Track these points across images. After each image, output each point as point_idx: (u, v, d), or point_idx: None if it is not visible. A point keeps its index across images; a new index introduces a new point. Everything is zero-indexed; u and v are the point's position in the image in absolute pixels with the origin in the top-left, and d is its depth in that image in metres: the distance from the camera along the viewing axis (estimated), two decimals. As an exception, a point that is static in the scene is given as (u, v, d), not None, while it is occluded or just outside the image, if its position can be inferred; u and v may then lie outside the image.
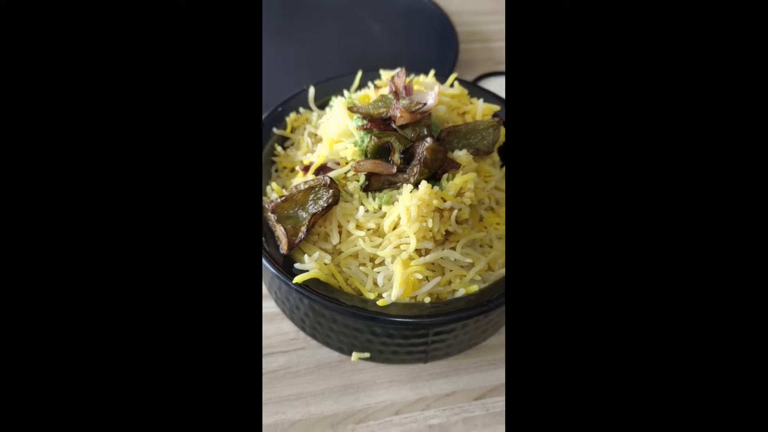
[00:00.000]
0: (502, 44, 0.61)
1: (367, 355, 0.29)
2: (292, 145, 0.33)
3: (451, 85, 0.33)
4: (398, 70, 0.31)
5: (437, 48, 0.55)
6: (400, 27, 0.59)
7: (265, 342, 0.34)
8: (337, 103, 0.31)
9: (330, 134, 0.30)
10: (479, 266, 0.27)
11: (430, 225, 0.25)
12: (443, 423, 0.32)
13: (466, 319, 0.25)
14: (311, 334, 0.30)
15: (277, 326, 0.35)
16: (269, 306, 0.35)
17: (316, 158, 0.29)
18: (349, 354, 0.30)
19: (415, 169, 0.27)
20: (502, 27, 0.65)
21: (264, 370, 0.33)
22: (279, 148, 0.32)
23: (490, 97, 0.34)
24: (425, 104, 0.28)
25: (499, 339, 0.35)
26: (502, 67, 0.55)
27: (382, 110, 0.28)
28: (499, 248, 0.28)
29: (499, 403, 0.33)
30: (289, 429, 0.31)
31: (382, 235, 0.27)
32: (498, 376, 0.34)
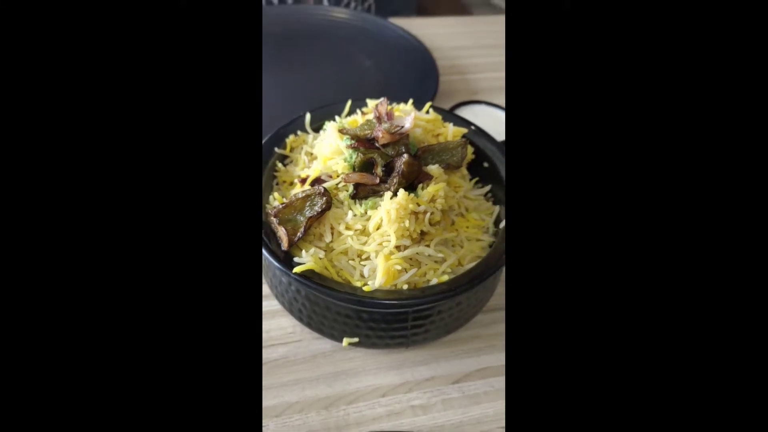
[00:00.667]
0: (478, 76, 0.68)
1: (356, 339, 0.33)
2: (291, 162, 0.39)
3: (427, 112, 0.39)
4: (381, 99, 0.37)
5: (421, 79, 0.62)
6: (388, 62, 0.66)
7: (265, 335, 0.39)
8: (330, 127, 0.37)
9: (324, 152, 0.35)
10: (450, 261, 0.32)
11: (407, 225, 0.31)
12: (424, 404, 0.36)
13: (438, 301, 0.30)
14: (307, 324, 0.35)
15: (277, 322, 0.40)
16: (270, 304, 0.40)
17: (312, 172, 0.35)
18: (341, 341, 0.34)
19: (395, 180, 0.32)
20: (477, 61, 0.72)
21: (265, 360, 0.37)
22: (280, 165, 0.38)
23: (460, 121, 0.40)
24: (403, 127, 0.34)
25: (472, 331, 0.40)
26: (478, 96, 0.62)
27: (367, 132, 0.34)
28: (468, 248, 0.34)
29: (473, 386, 0.37)
30: (287, 410, 0.35)
31: (367, 234, 0.32)
32: (472, 363, 0.38)
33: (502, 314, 0.41)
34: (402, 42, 0.68)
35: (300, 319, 0.35)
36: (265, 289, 0.39)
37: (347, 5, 0.83)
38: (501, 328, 0.41)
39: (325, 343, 0.38)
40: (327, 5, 0.78)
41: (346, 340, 0.34)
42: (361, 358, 0.38)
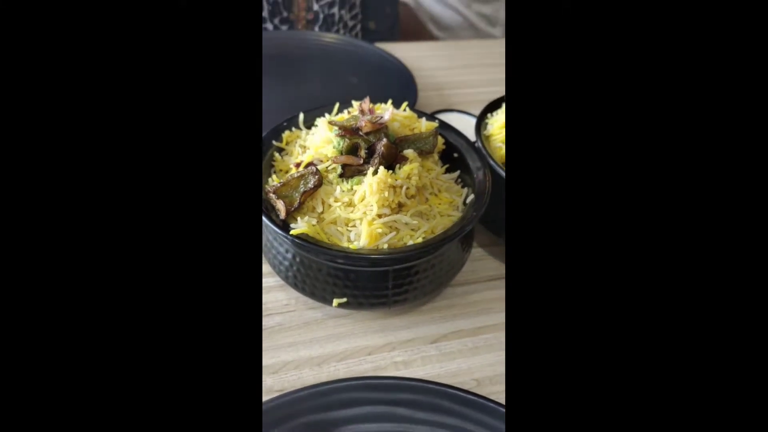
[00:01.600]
0: (452, 92, 0.76)
1: (344, 299, 0.38)
2: (287, 153, 0.44)
3: (404, 110, 0.46)
4: (365, 98, 0.43)
5: (401, 94, 0.69)
6: (372, 79, 0.74)
7: (264, 307, 0.43)
8: (321, 122, 0.43)
9: (315, 142, 0.41)
10: (424, 228, 0.38)
11: (387, 196, 0.36)
12: (406, 360, 0.40)
13: (414, 259, 0.35)
14: (302, 289, 0.40)
15: (273, 296, 0.44)
16: (267, 281, 0.45)
17: (306, 158, 0.40)
18: (331, 302, 0.39)
19: (376, 160, 0.38)
20: (452, 79, 0.80)
21: (263, 327, 0.42)
22: (277, 155, 0.43)
23: (431, 118, 0.46)
24: (382, 117, 0.40)
25: (448, 301, 0.45)
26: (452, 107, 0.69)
27: (352, 123, 0.40)
28: (440, 221, 0.39)
29: (449, 345, 0.42)
30: (284, 367, 0.39)
31: (353, 205, 0.37)
32: (448, 326, 0.43)
33: (473, 287, 0.47)
34: (384, 62, 0.76)
35: (295, 285, 0.40)
36: (265, 267, 0.44)
37: (336, 31, 0.91)
38: (473, 297, 0.46)
39: (318, 312, 0.43)
40: (318, 31, 0.86)
41: (335, 301, 0.38)
42: (350, 324, 0.43)
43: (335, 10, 0.89)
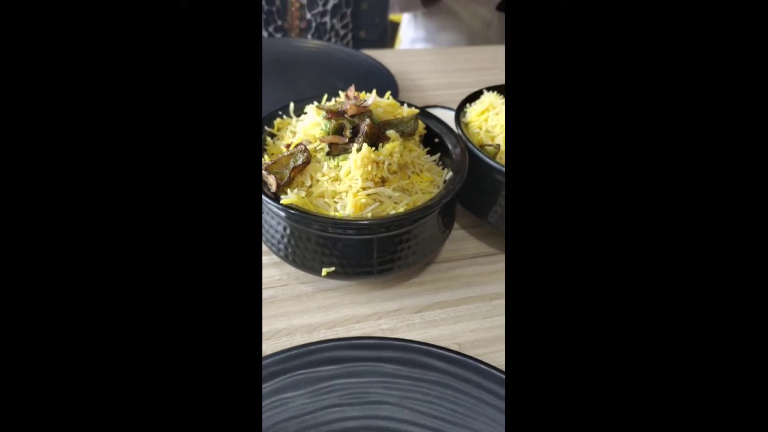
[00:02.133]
0: (433, 93, 0.81)
1: (332, 268, 0.41)
2: (278, 138, 0.47)
3: (388, 98, 0.49)
4: (351, 86, 0.47)
5: (383, 95, 0.72)
6: (357, 83, 0.77)
7: (257, 283, 0.46)
8: (310, 108, 0.46)
9: (305, 126, 0.44)
10: (405, 201, 0.40)
11: (370, 170, 0.39)
12: (392, 327, 0.43)
13: (396, 228, 0.38)
14: (292, 261, 0.42)
15: (267, 272, 0.47)
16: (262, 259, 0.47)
17: (296, 140, 0.44)
18: (320, 272, 0.41)
19: (360, 139, 0.41)
20: (435, 82, 0.85)
21: (257, 300, 0.44)
22: (269, 140, 0.46)
23: (413, 107, 0.50)
24: (366, 101, 0.43)
25: (432, 276, 0.48)
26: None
27: (338, 107, 0.43)
28: (422, 196, 0.42)
29: (432, 314, 0.44)
30: (276, 334, 0.41)
31: (339, 179, 0.40)
32: (432, 298, 0.46)
33: (456, 263, 0.49)
34: (370, 68, 0.80)
35: (286, 258, 0.43)
36: (257, 246, 0.47)
37: (328, 40, 0.96)
38: (455, 273, 0.48)
39: (308, 287, 0.46)
40: (310, 39, 0.91)
41: (324, 270, 0.41)
42: (339, 297, 0.45)
43: (327, 19, 0.94)
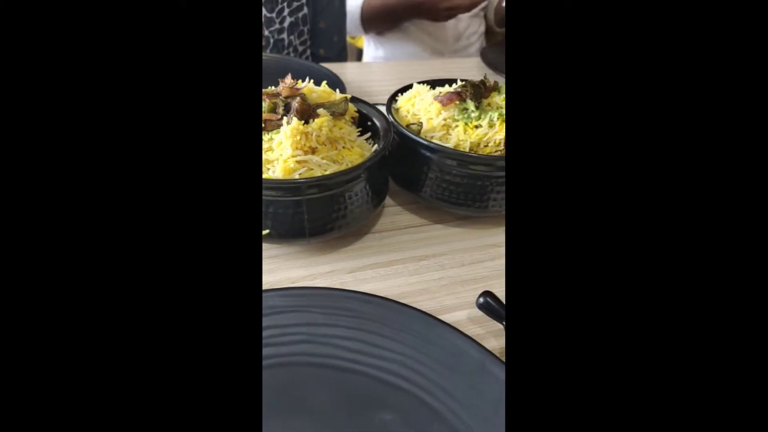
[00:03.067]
0: (380, 98, 0.87)
1: (267, 231, 0.45)
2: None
3: (323, 87, 0.55)
4: (287, 74, 0.52)
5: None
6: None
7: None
8: (251, 95, 0.51)
9: (245, 109, 0.49)
10: (333, 168, 0.45)
11: (299, 140, 0.44)
12: (326, 285, 0.47)
13: (325, 189, 0.43)
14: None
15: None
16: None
17: (236, 120, 0.48)
18: (257, 236, 0.45)
19: (291, 115, 0.46)
20: (382, 89, 0.91)
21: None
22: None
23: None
24: (297, 83, 0.49)
25: (366, 243, 0.52)
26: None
27: (274, 90, 0.49)
28: (348, 165, 0.47)
29: (364, 274, 0.48)
30: (217, 294, 0.45)
31: (272, 150, 0.45)
32: (364, 261, 0.50)
33: (389, 233, 0.54)
34: (323, 77, 0.86)
35: (227, 224, 0.47)
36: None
37: (287, 55, 1.02)
38: (388, 241, 0.53)
39: (250, 255, 0.49)
40: (268, 53, 0.97)
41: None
42: (277, 262, 0.49)
43: (284, 35, 1.01)
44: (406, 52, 1.31)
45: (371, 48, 1.39)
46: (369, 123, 0.54)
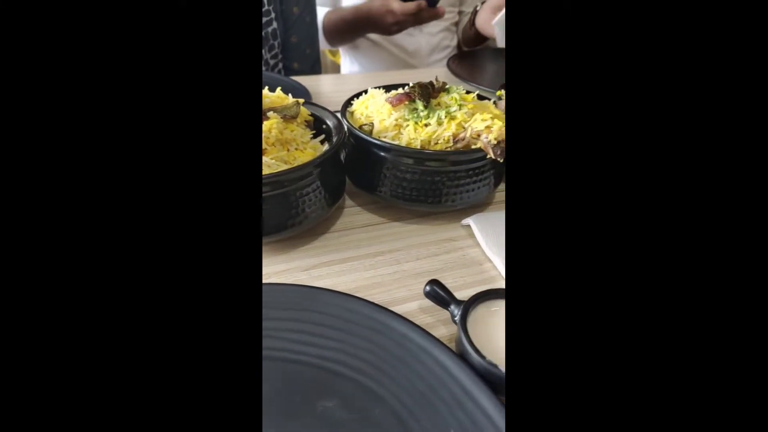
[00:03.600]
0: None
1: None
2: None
3: (277, 94, 0.56)
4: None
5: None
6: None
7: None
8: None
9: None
10: (284, 168, 0.47)
11: (248, 142, 0.46)
12: (278, 281, 0.47)
13: (275, 188, 0.44)
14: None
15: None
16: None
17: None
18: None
19: (242, 119, 0.48)
20: (345, 97, 0.93)
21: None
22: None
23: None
24: (250, 90, 0.51)
25: (323, 242, 0.53)
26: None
27: (227, 97, 0.50)
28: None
29: (318, 272, 0.49)
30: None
31: (222, 152, 0.46)
32: (320, 259, 0.51)
33: (347, 232, 0.55)
34: (290, 89, 0.88)
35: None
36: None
37: (258, 70, 1.05)
38: (346, 239, 0.54)
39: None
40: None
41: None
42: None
43: (256, 51, 1.03)
44: (381, 67, 1.34)
45: (347, 63, 1.42)
46: (324, 126, 0.56)
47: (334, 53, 1.77)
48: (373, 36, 1.28)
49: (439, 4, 1.11)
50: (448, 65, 1.02)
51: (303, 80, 0.96)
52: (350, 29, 1.20)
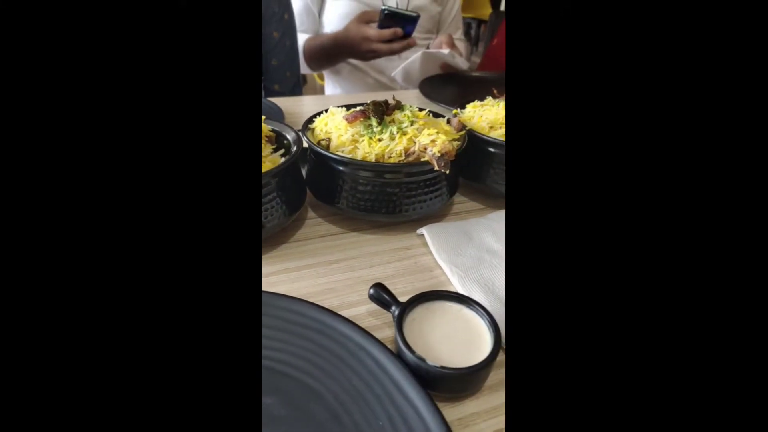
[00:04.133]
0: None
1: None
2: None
3: (243, 111, 0.60)
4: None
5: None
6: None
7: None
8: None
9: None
10: (240, 180, 0.49)
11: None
12: (235, 290, 0.49)
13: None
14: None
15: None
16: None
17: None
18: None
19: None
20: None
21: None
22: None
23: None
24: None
25: (284, 251, 0.55)
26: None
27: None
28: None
29: (276, 279, 0.51)
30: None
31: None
32: (277, 267, 0.53)
33: (307, 242, 0.57)
34: (266, 110, 0.92)
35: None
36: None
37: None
38: (305, 248, 0.56)
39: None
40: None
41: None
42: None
43: (236, 74, 1.08)
44: (361, 90, 1.39)
45: (330, 86, 1.47)
46: (285, 141, 0.59)
47: (322, 77, 1.83)
48: (353, 61, 1.33)
49: (415, 33, 1.16)
50: (421, 88, 1.07)
51: (284, 101, 1.00)
52: (328, 55, 1.25)
